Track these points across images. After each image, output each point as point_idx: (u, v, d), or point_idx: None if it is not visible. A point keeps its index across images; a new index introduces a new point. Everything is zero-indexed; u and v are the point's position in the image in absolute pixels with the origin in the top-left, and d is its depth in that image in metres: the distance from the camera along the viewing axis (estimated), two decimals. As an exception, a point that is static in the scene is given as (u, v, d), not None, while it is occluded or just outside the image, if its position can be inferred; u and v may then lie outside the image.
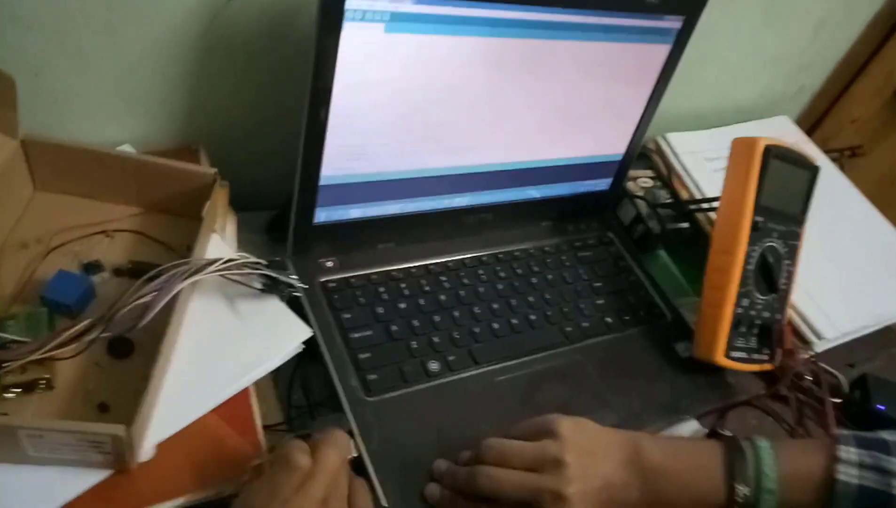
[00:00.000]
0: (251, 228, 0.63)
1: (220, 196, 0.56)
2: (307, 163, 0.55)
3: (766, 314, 0.64)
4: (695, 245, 0.76)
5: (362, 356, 0.55)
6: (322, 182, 0.57)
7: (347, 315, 0.57)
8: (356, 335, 0.56)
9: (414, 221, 0.65)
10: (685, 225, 0.77)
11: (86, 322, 0.43)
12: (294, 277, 0.53)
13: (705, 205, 0.76)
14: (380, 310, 0.59)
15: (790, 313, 0.68)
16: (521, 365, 0.60)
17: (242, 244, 0.61)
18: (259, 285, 0.52)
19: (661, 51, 0.67)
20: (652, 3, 0.62)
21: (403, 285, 0.62)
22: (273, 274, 0.51)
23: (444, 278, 0.64)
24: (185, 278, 0.46)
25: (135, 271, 0.51)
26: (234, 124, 0.64)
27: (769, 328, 0.64)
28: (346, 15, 0.49)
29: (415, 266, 0.64)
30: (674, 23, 0.65)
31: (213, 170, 0.55)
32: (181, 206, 0.55)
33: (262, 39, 0.59)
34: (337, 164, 0.57)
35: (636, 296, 0.71)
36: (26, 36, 0.52)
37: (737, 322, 0.62)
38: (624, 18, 0.62)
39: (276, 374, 0.52)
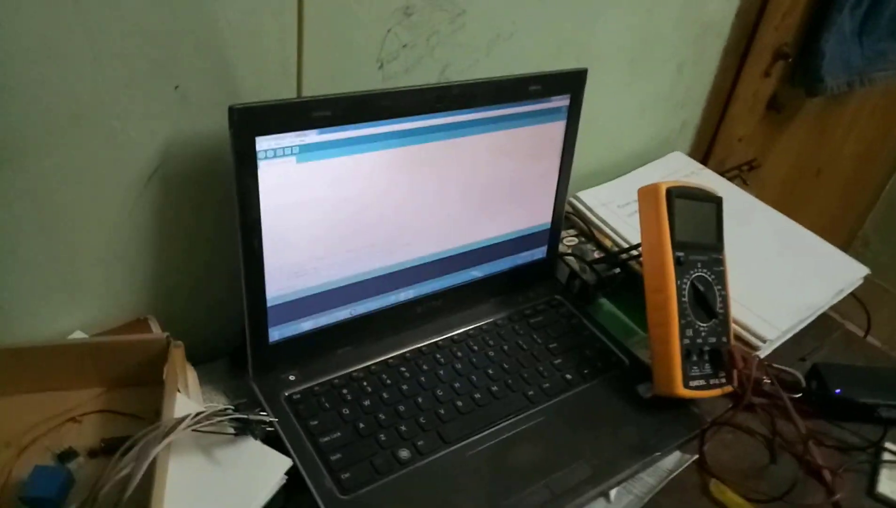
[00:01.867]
0: (213, 376, 0.65)
1: (176, 357, 0.57)
2: (251, 289, 0.58)
3: (713, 340, 0.67)
4: (632, 287, 0.81)
5: (333, 457, 0.57)
6: (269, 303, 0.60)
7: (314, 422, 0.59)
8: (325, 439, 0.58)
9: (366, 321, 0.67)
10: (617, 271, 0.82)
11: (71, 510, 0.44)
12: (263, 413, 0.55)
13: (634, 253, 0.81)
14: (345, 411, 0.61)
15: (732, 326, 0.72)
16: (490, 436, 0.62)
17: (208, 394, 0.63)
18: (232, 430, 0.54)
19: (559, 127, 0.73)
20: (536, 90, 0.68)
21: (365, 384, 0.64)
22: (242, 416, 0.53)
23: (403, 369, 0.66)
24: (159, 443, 0.47)
25: (109, 449, 0.52)
26: (176, 287, 0.66)
27: (719, 352, 0.67)
28: (259, 155, 0.54)
29: (374, 363, 0.66)
30: (562, 101, 0.71)
31: (165, 334, 0.57)
32: (141, 375, 0.57)
33: (186, 203, 0.62)
34: (280, 284, 0.60)
35: (592, 349, 0.73)
36: (-39, 253, 0.54)
37: (687, 353, 0.65)
38: (514, 108, 0.68)
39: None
